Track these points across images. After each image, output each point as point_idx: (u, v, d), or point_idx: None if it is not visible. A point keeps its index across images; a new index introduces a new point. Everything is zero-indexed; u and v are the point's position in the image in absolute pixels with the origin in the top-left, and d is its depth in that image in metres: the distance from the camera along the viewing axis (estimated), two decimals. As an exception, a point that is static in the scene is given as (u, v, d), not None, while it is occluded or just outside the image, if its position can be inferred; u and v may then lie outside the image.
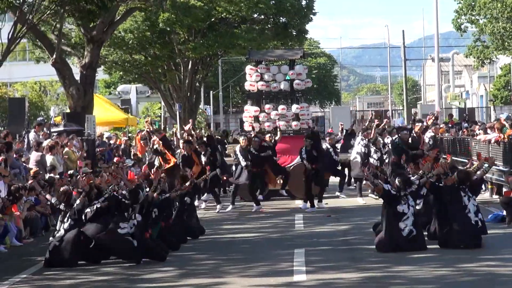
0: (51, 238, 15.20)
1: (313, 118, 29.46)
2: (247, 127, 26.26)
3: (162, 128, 30.92)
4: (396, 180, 15.23)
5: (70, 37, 37.02)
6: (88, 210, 15.05)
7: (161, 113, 59.67)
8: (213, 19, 39.27)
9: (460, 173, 15.66)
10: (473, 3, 45.97)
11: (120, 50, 40.90)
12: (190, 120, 27.93)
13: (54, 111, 42.66)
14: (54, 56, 28.31)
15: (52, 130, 27.18)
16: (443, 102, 66.82)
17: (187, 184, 17.28)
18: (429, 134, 27.46)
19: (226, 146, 26.63)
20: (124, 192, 15.80)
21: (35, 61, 42.95)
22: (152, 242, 15.08)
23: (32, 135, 24.55)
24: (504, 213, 18.23)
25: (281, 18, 41.31)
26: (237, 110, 70.81)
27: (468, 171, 16.20)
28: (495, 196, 22.37)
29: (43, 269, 14.69)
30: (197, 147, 23.35)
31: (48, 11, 24.21)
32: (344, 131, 29.64)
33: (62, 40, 30.29)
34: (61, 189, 16.16)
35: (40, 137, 24.58)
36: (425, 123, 28.13)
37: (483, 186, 24.02)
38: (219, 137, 26.78)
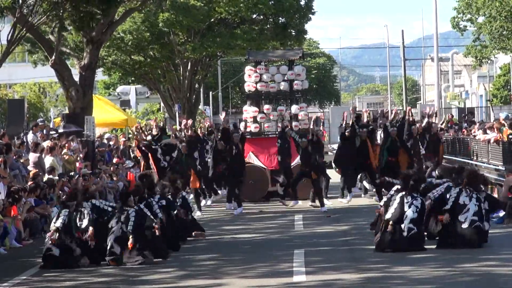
0: (46, 239, 15.20)
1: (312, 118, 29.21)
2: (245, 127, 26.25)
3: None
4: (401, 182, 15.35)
5: (69, 38, 36.99)
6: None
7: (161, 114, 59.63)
8: (212, 20, 39.27)
9: (470, 175, 15.61)
10: (471, 2, 45.96)
11: (119, 51, 40.86)
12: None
13: (54, 113, 42.63)
14: (53, 57, 28.30)
15: (51, 132, 27.15)
16: (443, 102, 66.81)
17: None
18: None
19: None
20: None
21: (32, 64, 42.88)
22: (154, 240, 15.12)
23: (30, 136, 24.53)
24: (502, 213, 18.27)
25: (280, 18, 41.32)
26: (237, 111, 70.72)
27: (477, 173, 16.12)
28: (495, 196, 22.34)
29: (43, 270, 14.68)
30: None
31: (48, 13, 24.19)
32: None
33: (61, 41, 30.25)
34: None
35: (38, 138, 24.57)
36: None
37: (482, 186, 24.03)
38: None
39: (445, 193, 15.59)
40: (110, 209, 15.77)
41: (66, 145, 24.63)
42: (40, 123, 26.93)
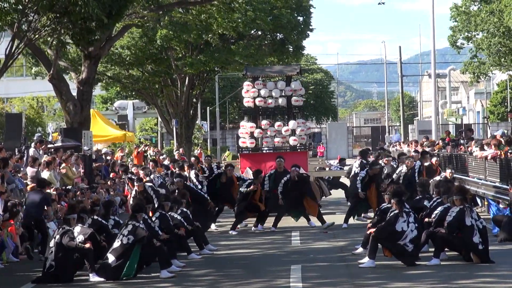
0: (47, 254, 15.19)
1: (310, 133, 29.21)
2: (241, 143, 26.26)
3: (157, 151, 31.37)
4: (393, 200, 15.38)
5: (67, 52, 37.02)
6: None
7: (157, 129, 59.64)
8: (210, 35, 39.30)
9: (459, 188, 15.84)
10: (470, 19, 46.10)
11: (117, 66, 40.89)
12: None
13: (52, 127, 42.64)
14: (51, 72, 28.33)
15: (49, 146, 27.15)
16: (440, 118, 66.91)
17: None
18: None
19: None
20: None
21: (32, 76, 42.93)
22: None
23: (32, 151, 24.52)
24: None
25: (278, 34, 41.38)
26: (234, 126, 70.79)
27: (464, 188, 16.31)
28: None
29: (40, 285, 14.64)
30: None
31: (46, 28, 24.16)
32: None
33: (59, 56, 30.28)
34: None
35: (41, 152, 24.57)
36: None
37: (479, 203, 24.08)
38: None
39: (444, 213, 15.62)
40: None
41: (67, 160, 24.61)
42: (42, 139, 26.93)
